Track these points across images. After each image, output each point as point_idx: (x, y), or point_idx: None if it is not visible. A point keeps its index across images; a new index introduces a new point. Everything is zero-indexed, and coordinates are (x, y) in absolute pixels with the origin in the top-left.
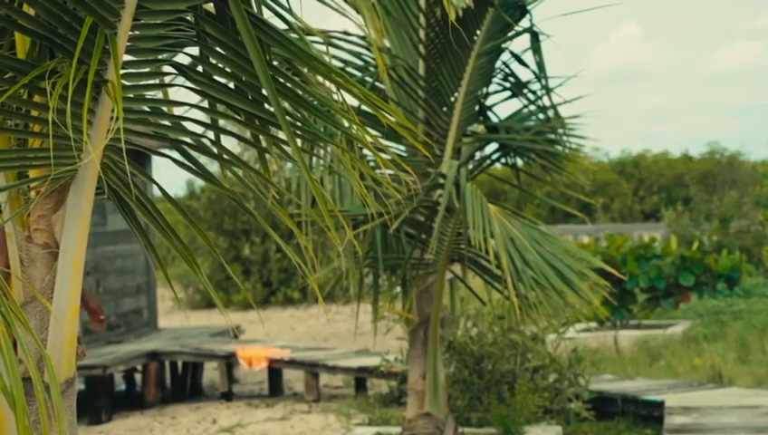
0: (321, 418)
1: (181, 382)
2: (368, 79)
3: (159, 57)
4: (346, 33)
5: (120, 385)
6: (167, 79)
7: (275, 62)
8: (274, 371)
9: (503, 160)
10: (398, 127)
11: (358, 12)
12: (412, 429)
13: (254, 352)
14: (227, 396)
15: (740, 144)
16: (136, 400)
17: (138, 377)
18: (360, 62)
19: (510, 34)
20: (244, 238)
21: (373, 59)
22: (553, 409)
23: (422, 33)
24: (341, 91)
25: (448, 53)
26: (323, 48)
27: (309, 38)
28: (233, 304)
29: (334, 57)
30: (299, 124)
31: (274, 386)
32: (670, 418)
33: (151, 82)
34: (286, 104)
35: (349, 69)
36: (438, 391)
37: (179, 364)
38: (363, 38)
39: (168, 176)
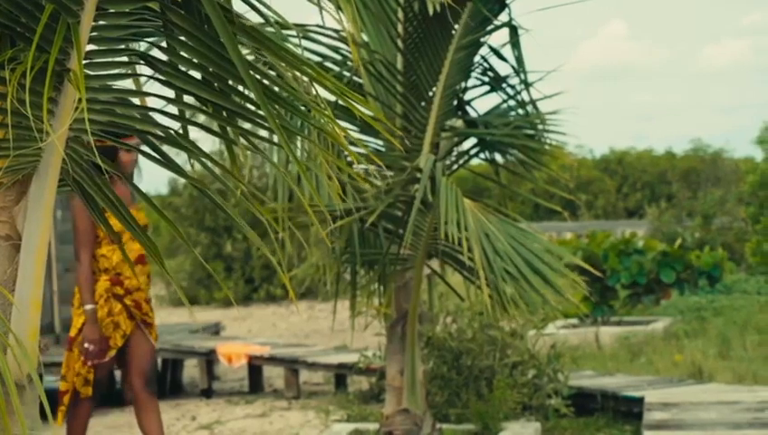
0: (301, 415)
1: (161, 379)
2: (345, 73)
3: (125, 47)
4: (320, 26)
5: None
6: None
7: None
8: (255, 368)
9: (481, 156)
10: (370, 120)
11: (338, 7)
12: (390, 425)
13: (233, 349)
14: (207, 393)
15: (724, 141)
16: (115, 397)
17: (117, 374)
18: (338, 57)
19: (489, 29)
20: (225, 235)
21: (351, 53)
22: (532, 405)
23: (400, 28)
24: (314, 83)
25: (426, 47)
26: (302, 43)
27: (285, 32)
28: (215, 300)
29: (312, 52)
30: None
31: (255, 383)
32: (649, 414)
33: (116, 72)
34: (252, 96)
35: (327, 63)
36: (416, 387)
37: (159, 361)
38: (340, 32)
39: (152, 173)
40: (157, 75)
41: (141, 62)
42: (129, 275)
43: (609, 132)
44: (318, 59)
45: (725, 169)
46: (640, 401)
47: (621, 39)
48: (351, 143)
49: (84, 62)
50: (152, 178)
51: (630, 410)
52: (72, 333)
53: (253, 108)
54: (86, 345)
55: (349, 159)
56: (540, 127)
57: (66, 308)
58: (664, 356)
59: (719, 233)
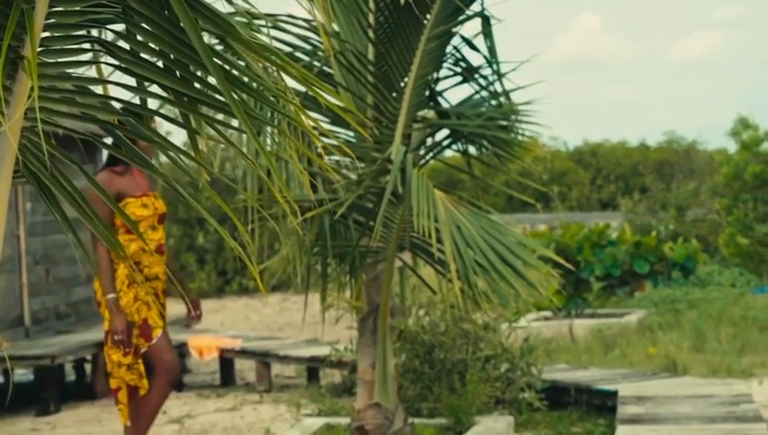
0: (272, 408)
1: None
2: (316, 64)
3: (86, 33)
4: (291, 16)
5: (71, 375)
6: (92, 57)
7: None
8: (226, 360)
9: (454, 147)
10: (338, 110)
11: None
12: (361, 419)
13: (204, 341)
14: (178, 386)
15: (698, 133)
16: (85, 390)
17: (87, 367)
18: (308, 47)
19: (461, 18)
20: (198, 227)
21: (321, 43)
22: (505, 399)
23: (371, 18)
24: (282, 73)
25: (398, 37)
26: (274, 33)
27: (255, 22)
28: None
29: (282, 42)
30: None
31: (226, 376)
32: (623, 407)
33: (74, 59)
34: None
35: (297, 54)
36: (388, 381)
37: None
38: (311, 22)
39: None
40: (116, 62)
41: (101, 49)
42: (147, 263)
43: (582, 124)
44: (288, 49)
45: (699, 160)
46: (614, 394)
47: (594, 32)
48: (321, 134)
49: (40, 49)
50: None
51: (604, 403)
52: (106, 326)
53: (219, 97)
54: (116, 337)
55: (318, 150)
56: (513, 118)
57: (36, 301)
58: (638, 349)
59: (693, 225)
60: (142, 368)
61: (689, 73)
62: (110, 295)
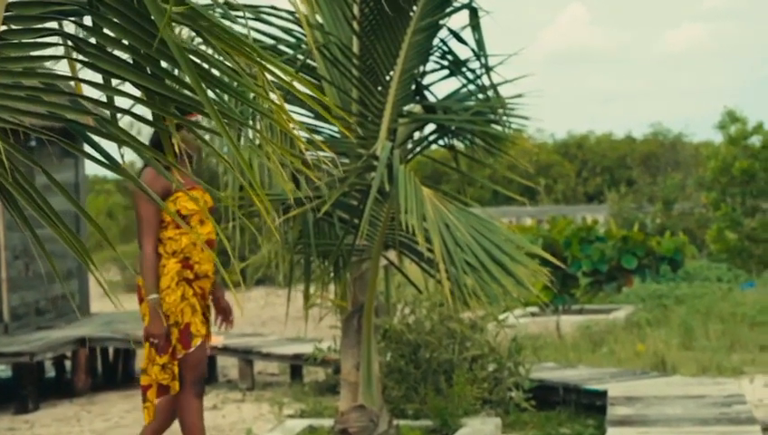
0: (255, 407)
1: (112, 370)
2: (299, 57)
3: (49, 26)
4: (273, 7)
5: (50, 372)
6: (58, 51)
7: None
8: (208, 358)
9: (441, 142)
10: (321, 109)
11: None
12: (345, 422)
13: None
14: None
15: (684, 126)
16: (65, 387)
17: (68, 364)
18: (291, 40)
19: (448, 10)
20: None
21: (305, 35)
22: (492, 399)
23: (356, 9)
24: (257, 66)
25: (383, 29)
26: (255, 25)
27: (235, 13)
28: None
29: (264, 34)
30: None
31: (208, 373)
32: (613, 408)
33: (39, 53)
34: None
35: (280, 46)
36: (372, 382)
37: (110, 351)
38: (294, 13)
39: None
40: (81, 57)
41: (67, 43)
42: (197, 259)
43: (568, 116)
44: (270, 42)
45: (685, 153)
46: (603, 394)
47: (581, 23)
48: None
49: (0, 43)
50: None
51: (593, 403)
52: (146, 322)
53: (193, 96)
54: (151, 340)
55: (301, 147)
56: (501, 112)
57: (15, 296)
58: (626, 346)
59: (680, 218)
60: (176, 369)
61: (676, 65)
62: (153, 296)
